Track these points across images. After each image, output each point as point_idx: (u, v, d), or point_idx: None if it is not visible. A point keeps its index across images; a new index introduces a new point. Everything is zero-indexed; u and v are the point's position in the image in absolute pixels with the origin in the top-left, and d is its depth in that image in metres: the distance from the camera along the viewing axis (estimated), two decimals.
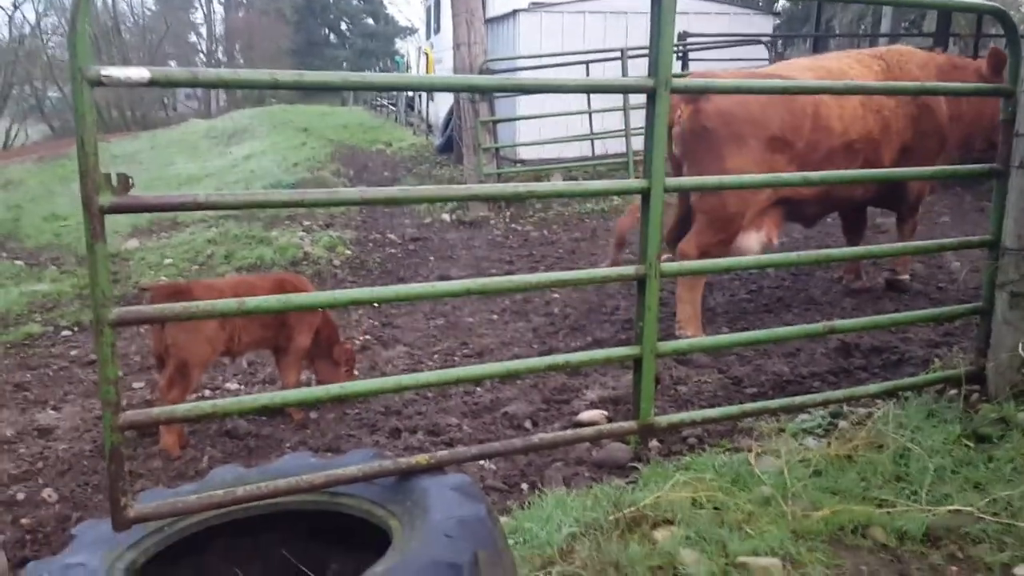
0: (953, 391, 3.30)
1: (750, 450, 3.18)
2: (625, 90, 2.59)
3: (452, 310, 6.46)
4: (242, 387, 5.07)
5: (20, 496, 3.70)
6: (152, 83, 1.96)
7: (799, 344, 4.65)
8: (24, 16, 38.62)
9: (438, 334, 5.93)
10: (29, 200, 15.19)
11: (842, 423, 3.36)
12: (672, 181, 2.54)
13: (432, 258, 8.65)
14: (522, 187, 2.49)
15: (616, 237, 5.45)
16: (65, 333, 6.78)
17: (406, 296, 2.50)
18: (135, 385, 5.18)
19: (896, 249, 4.06)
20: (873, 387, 3.35)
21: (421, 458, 2.43)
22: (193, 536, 2.34)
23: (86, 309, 7.33)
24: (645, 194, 2.54)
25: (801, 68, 5.23)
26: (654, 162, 2.49)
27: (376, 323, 6.29)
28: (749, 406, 3.11)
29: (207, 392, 5.00)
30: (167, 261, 8.70)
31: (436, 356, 5.39)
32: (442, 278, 7.60)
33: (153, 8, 42.80)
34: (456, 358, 5.31)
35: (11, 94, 37.44)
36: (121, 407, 2.05)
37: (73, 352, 6.23)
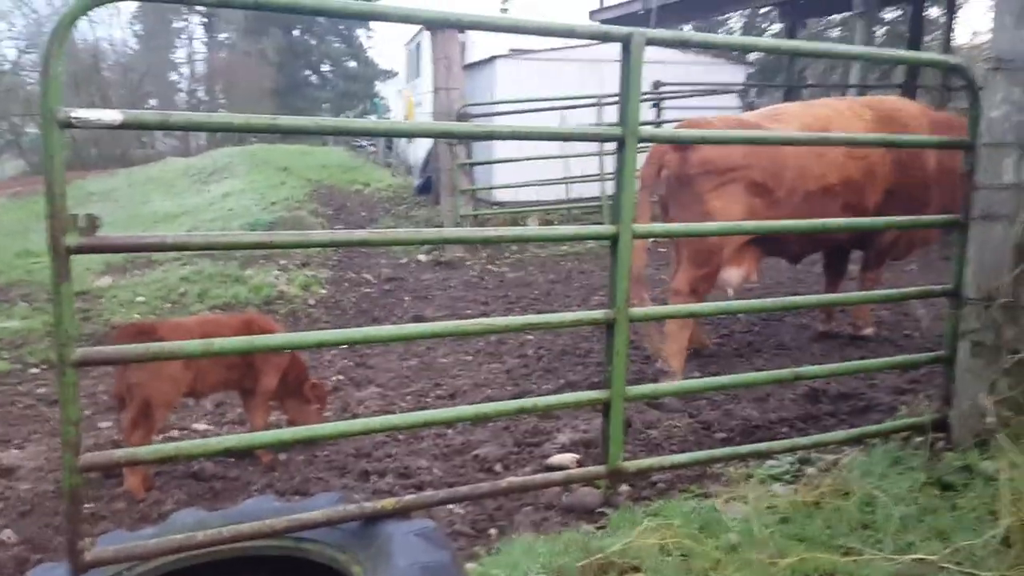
0: (918, 439, 3.33)
1: (718, 496, 3.19)
2: (595, 138, 2.66)
3: (426, 351, 6.45)
4: (210, 428, 5.00)
5: None
6: (123, 126, 1.97)
7: (769, 389, 4.68)
8: (3, 53, 38.56)
9: (411, 375, 5.90)
10: (2, 236, 15.03)
11: (809, 469, 3.38)
12: (640, 227, 2.58)
13: (408, 298, 8.65)
14: (492, 232, 2.52)
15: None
16: (33, 371, 6.66)
17: (376, 338, 2.50)
18: (102, 425, 5.09)
19: (861, 297, 4.12)
20: (840, 434, 3.39)
21: (387, 503, 2.42)
22: None
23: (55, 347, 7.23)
24: (614, 240, 2.57)
25: (789, 115, 5.41)
26: (623, 208, 2.53)
27: (349, 363, 6.25)
28: (718, 451, 3.13)
29: (175, 433, 4.93)
30: (139, 299, 8.61)
31: (409, 397, 5.36)
32: (417, 319, 7.60)
33: (135, 47, 42.94)
34: (429, 399, 5.28)
35: None
36: (82, 448, 2.03)
37: (40, 390, 6.13)
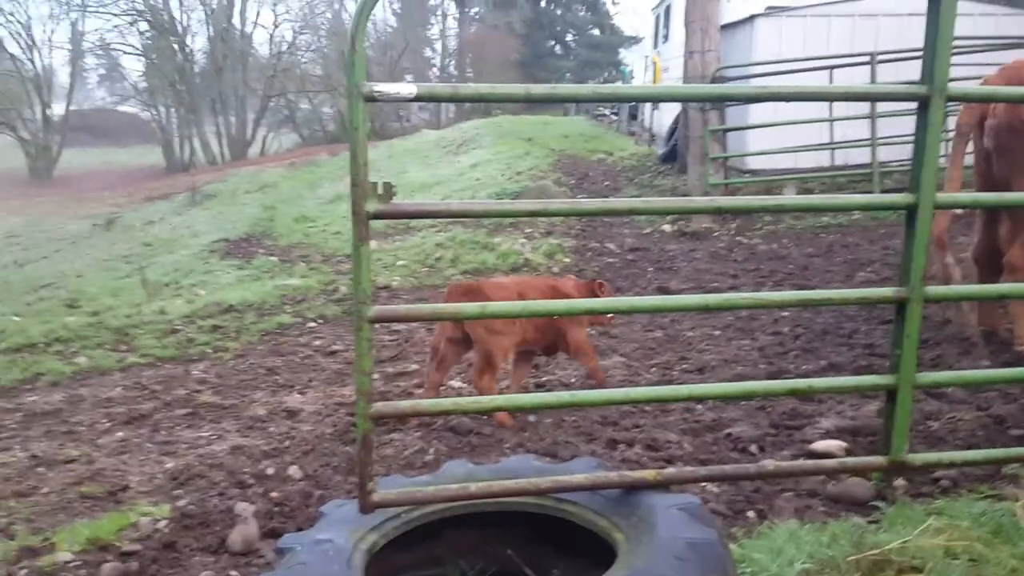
0: None
1: (1016, 499, 2.84)
2: (896, 98, 2.38)
3: (671, 323, 6.34)
4: (464, 386, 5.26)
5: (270, 471, 4.02)
6: (417, 98, 2.07)
7: None
8: (282, 35, 42.96)
9: (656, 346, 5.83)
10: (281, 202, 16.82)
11: None
12: (943, 197, 2.31)
13: (651, 269, 8.55)
14: (770, 200, 2.37)
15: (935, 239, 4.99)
16: (311, 324, 7.40)
17: (673, 307, 2.46)
18: (373, 376, 5.52)
19: None
20: None
21: (648, 473, 2.38)
22: (425, 525, 2.45)
23: (330, 304, 7.99)
24: (912, 210, 2.33)
25: None
26: (923, 176, 2.28)
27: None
28: (1017, 450, 2.77)
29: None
30: (400, 263, 9.28)
31: (654, 369, 5.30)
32: (661, 290, 7.49)
33: (394, 25, 45.94)
34: (675, 373, 5.19)
35: (269, 105, 41.76)
36: (374, 397, 2.18)
37: (317, 342, 6.79)
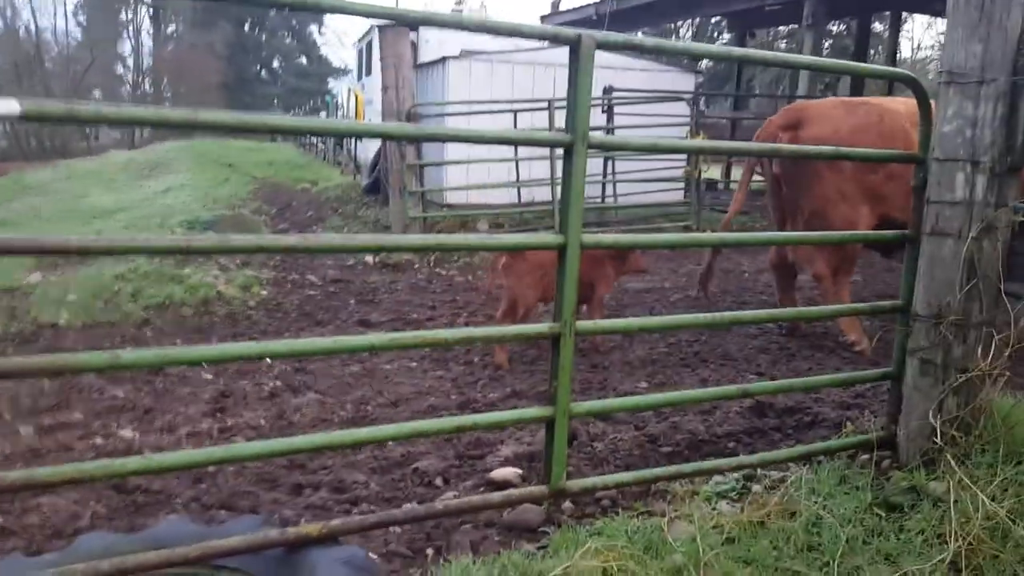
0: (865, 456, 3.28)
1: (663, 515, 3.09)
2: (543, 143, 2.54)
3: (369, 356, 6.25)
4: (136, 435, 4.76)
5: None
6: (25, 117, 1.78)
7: (715, 402, 4.62)
8: None
9: (353, 381, 5.71)
10: None
11: (755, 487, 3.30)
12: (588, 238, 2.47)
13: (352, 301, 8.42)
14: (432, 239, 2.38)
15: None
16: None
17: (303, 351, 2.34)
18: (21, 430, 4.81)
19: (812, 313, 4.07)
20: (786, 451, 3.32)
21: (311, 528, 2.25)
22: None
23: None
24: (561, 250, 2.45)
25: (894, 100, 5.78)
26: (571, 217, 2.41)
27: (288, 368, 6.03)
28: (662, 470, 3.03)
29: (99, 440, 4.68)
30: (71, 297, 8.24)
31: (349, 405, 5.17)
32: (362, 323, 7.40)
33: (79, 38, 41.56)
34: (370, 408, 5.10)
35: None
36: None
37: None
